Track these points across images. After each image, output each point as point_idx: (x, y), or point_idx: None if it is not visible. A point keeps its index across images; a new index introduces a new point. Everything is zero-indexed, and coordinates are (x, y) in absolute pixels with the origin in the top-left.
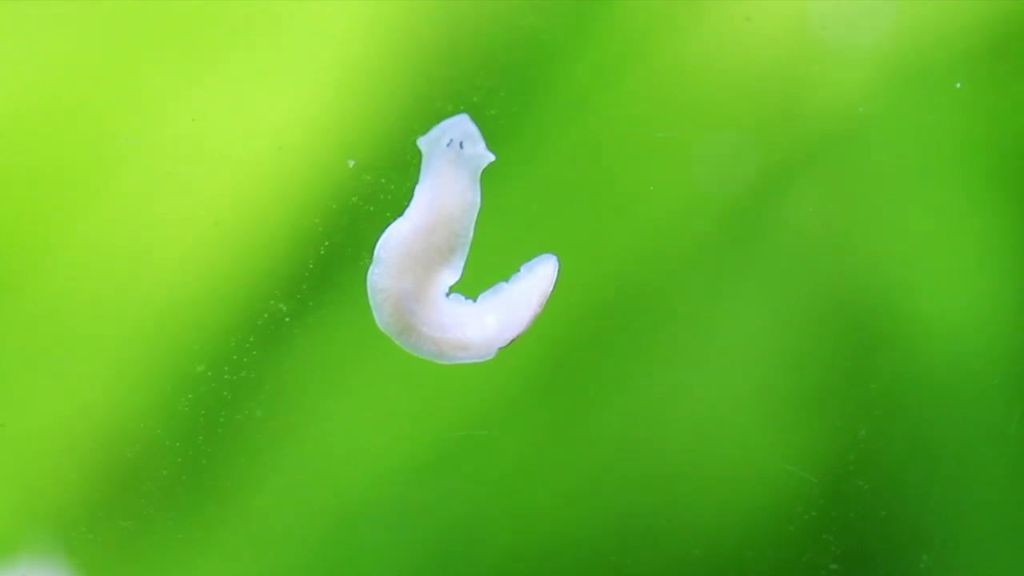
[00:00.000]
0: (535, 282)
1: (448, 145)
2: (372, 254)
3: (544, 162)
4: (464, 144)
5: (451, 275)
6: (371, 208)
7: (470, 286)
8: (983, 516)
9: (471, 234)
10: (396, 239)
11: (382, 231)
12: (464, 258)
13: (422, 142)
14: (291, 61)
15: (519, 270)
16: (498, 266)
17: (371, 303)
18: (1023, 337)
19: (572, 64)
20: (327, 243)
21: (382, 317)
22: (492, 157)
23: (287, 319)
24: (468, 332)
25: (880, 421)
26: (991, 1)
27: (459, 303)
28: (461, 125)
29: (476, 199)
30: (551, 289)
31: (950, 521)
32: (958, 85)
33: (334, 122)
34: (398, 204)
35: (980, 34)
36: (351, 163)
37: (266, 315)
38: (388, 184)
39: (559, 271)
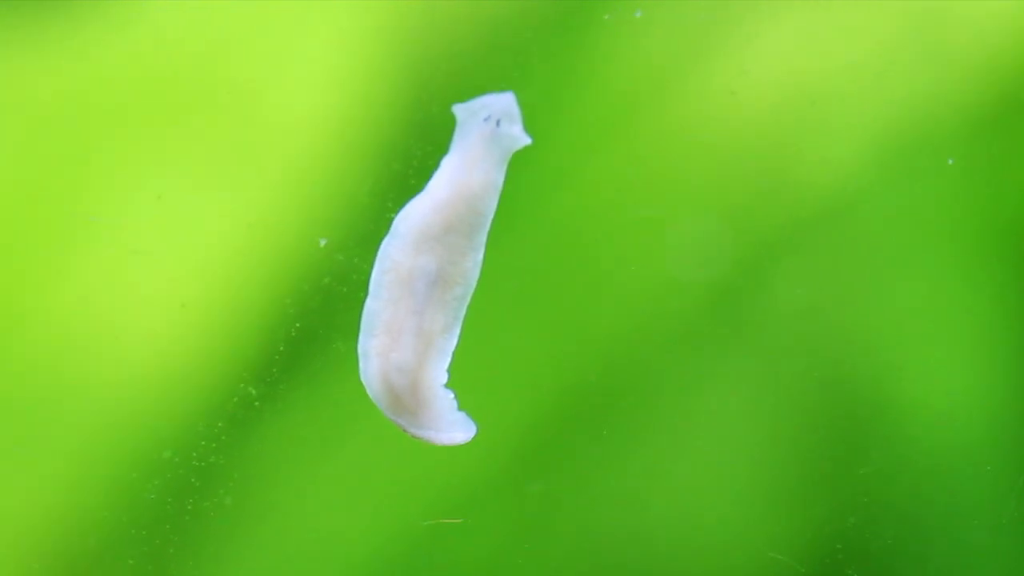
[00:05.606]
0: (449, 431)
1: (485, 120)
2: (345, 336)
3: (520, 240)
4: (501, 123)
5: (451, 332)
6: (344, 289)
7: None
8: None
9: (491, 215)
10: (416, 215)
11: (355, 312)
12: (478, 261)
13: (459, 109)
14: (259, 137)
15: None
16: (475, 346)
17: (373, 277)
18: (1016, 425)
19: (549, 140)
20: (298, 325)
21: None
22: (528, 140)
23: (257, 403)
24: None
25: (870, 509)
26: (982, 79)
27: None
28: (504, 102)
29: (500, 180)
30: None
31: None
32: (950, 162)
33: (305, 200)
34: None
35: (971, 111)
36: (323, 242)
37: (235, 399)
38: (361, 264)
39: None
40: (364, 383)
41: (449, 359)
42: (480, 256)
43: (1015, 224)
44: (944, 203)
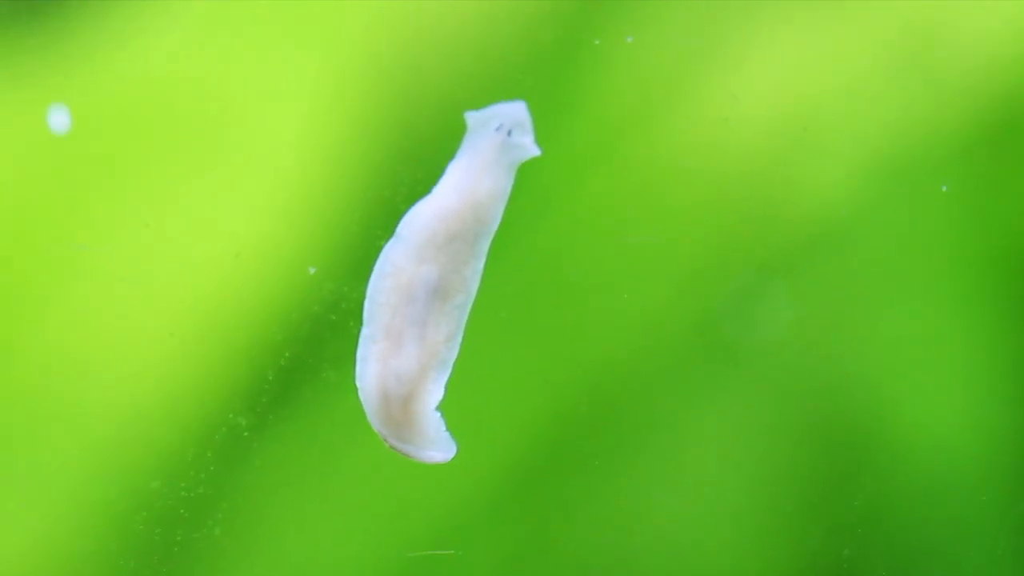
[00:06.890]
0: (429, 449)
1: (496, 129)
2: (334, 366)
3: (511, 266)
4: (512, 132)
5: (448, 351)
6: (333, 317)
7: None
8: None
9: (496, 224)
10: (420, 221)
11: (345, 341)
12: (478, 276)
13: (470, 116)
14: (247, 165)
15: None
16: (465, 373)
17: (371, 283)
18: (1012, 453)
19: (538, 166)
20: (287, 354)
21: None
22: (538, 152)
23: (246, 433)
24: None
25: (864, 540)
26: (976, 105)
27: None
28: (515, 112)
29: (508, 188)
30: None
31: None
32: (944, 188)
33: (294, 228)
34: (361, 313)
35: (966, 137)
36: (312, 270)
37: (224, 429)
38: (351, 292)
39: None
40: (358, 387)
41: (449, 372)
42: (481, 265)
43: (1010, 250)
44: (938, 229)
